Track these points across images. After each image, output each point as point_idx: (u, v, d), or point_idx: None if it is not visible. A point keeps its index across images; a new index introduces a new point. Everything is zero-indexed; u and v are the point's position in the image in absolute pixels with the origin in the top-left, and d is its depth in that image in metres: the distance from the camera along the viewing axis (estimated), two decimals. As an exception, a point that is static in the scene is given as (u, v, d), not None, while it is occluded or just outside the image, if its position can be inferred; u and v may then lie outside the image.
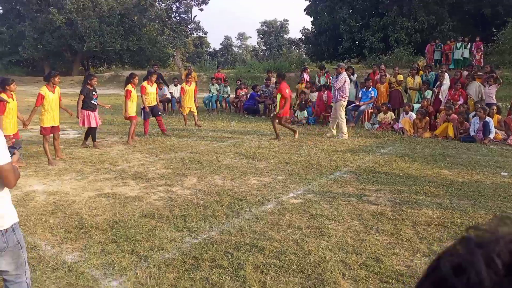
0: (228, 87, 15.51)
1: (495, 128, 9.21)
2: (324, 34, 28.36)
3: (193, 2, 36.02)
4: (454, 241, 0.49)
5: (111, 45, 32.06)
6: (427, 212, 4.89)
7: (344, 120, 9.91)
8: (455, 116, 9.69)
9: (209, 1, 35.83)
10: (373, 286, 3.33)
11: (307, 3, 30.19)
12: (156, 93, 10.54)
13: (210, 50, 55.36)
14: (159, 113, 10.56)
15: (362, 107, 11.72)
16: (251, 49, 59.96)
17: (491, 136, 9.03)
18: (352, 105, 12.07)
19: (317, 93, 12.65)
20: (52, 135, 7.68)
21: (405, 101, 12.09)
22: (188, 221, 4.70)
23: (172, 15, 36.64)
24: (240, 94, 14.97)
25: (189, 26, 37.32)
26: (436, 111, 10.96)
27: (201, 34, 40.97)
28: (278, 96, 9.74)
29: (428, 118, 10.17)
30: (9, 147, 2.54)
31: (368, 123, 11.34)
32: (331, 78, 10.32)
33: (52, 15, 30.62)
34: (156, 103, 10.40)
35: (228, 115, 14.11)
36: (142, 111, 10.10)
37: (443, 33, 22.38)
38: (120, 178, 6.53)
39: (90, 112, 8.51)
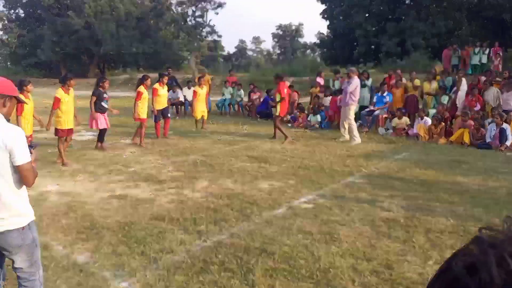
0: (242, 91, 15.55)
1: (512, 135, 9.03)
2: (339, 38, 28.24)
3: (208, 6, 36.36)
4: (468, 241, 0.48)
5: (127, 48, 32.53)
6: (440, 219, 4.80)
7: (355, 124, 9.88)
8: (471, 122, 9.53)
9: (224, 5, 36.09)
10: (383, 293, 3.27)
11: (323, 7, 30.14)
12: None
13: (225, 53, 55.67)
14: (168, 115, 10.64)
15: (377, 112, 11.61)
16: (265, 53, 60.11)
17: (508, 143, 8.85)
18: (366, 109, 11.98)
19: (330, 97, 12.58)
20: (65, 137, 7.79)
21: (420, 106, 11.94)
22: (198, 224, 4.70)
23: (188, 19, 37.02)
24: (253, 97, 15.00)
25: (204, 30, 37.66)
26: (452, 117, 10.79)
27: (216, 37, 41.33)
28: (278, 97, 9.89)
29: (443, 124, 10.03)
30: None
31: (382, 128, 11.22)
32: (345, 82, 10.29)
33: (71, 18, 31.24)
34: (166, 105, 10.47)
35: (240, 118, 14.14)
36: (152, 113, 10.15)
37: (461, 38, 22.09)
38: (132, 180, 6.58)
39: (99, 114, 8.56)
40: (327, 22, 30.17)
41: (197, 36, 35.34)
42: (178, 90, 14.74)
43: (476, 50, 18.25)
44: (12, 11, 37.95)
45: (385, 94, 11.71)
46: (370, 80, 12.93)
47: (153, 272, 3.61)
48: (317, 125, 11.95)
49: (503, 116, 9.12)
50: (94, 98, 8.52)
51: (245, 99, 15.46)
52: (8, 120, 2.61)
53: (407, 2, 26.18)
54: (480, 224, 4.63)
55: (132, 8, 33.14)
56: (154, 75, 16.69)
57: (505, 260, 0.42)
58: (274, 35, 55.10)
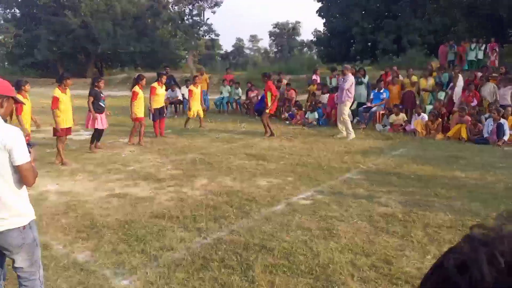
0: (239, 89, 15.56)
1: (509, 130, 9.07)
2: (336, 36, 28.24)
3: (205, 5, 36.31)
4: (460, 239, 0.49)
5: (124, 47, 32.44)
6: (438, 214, 4.84)
7: (349, 119, 10.07)
8: (469, 117, 9.57)
9: (221, 4, 36.03)
10: (382, 287, 3.30)
11: (320, 5, 30.11)
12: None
13: (222, 52, 55.61)
14: (164, 115, 10.63)
15: (374, 109, 11.64)
16: (263, 51, 60.06)
17: (505, 138, 8.90)
18: (363, 106, 12.01)
19: (327, 94, 12.60)
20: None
21: (417, 102, 11.97)
22: (198, 221, 4.72)
23: (185, 18, 36.95)
24: (251, 95, 15.01)
25: (201, 29, 37.60)
26: (449, 113, 10.83)
27: (213, 36, 41.29)
28: (269, 95, 10.19)
29: (440, 119, 10.07)
30: None
31: (380, 124, 11.26)
32: (341, 79, 10.35)
33: (67, 18, 31.13)
34: (163, 105, 10.46)
35: (238, 116, 14.15)
36: (150, 112, 10.14)
37: (457, 34, 22.12)
38: (131, 178, 6.60)
39: (97, 114, 8.48)
40: (324, 20, 30.18)
41: (194, 35, 35.27)
42: (177, 89, 14.74)
43: (473, 46, 18.30)
44: (8, 10, 37.75)
45: (382, 91, 11.74)
46: (367, 77, 12.95)
47: (153, 269, 3.63)
48: (314, 122, 11.98)
49: (500, 111, 9.16)
50: (92, 99, 8.46)
51: (243, 97, 15.46)
52: (5, 121, 2.62)
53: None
54: (478, 218, 4.67)
55: (128, 7, 33.03)
56: (152, 74, 16.70)
57: (496, 258, 0.42)
58: (271, 33, 55.07)
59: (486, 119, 9.53)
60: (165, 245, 4.09)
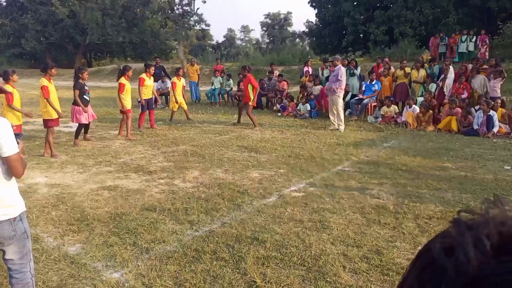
0: (231, 80, 15.46)
1: (499, 122, 9.16)
2: (328, 26, 28.16)
3: (196, -6, 35.88)
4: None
5: (114, 37, 32.03)
6: (429, 205, 4.88)
7: (342, 111, 10.08)
8: (459, 109, 9.64)
9: (212, -7, 35.63)
10: (373, 278, 3.33)
11: (311, -5, 29.93)
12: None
13: (213, 43, 55.22)
14: (153, 106, 10.51)
15: (366, 101, 11.67)
16: (254, 42, 59.77)
17: (495, 130, 8.98)
18: (355, 98, 12.03)
19: (320, 86, 12.59)
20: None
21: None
22: (190, 214, 4.70)
23: (175, 8, 36.51)
24: (243, 87, 14.93)
25: (192, 19, 37.22)
26: (440, 105, 10.90)
27: (204, 26, 40.91)
28: (250, 87, 10.28)
29: (431, 111, 10.12)
30: None
31: (371, 116, 11.29)
32: (333, 71, 10.32)
33: (55, 7, 30.59)
34: (152, 96, 10.31)
35: (230, 108, 14.09)
36: (139, 103, 9.99)
37: (448, 26, 22.16)
38: (122, 171, 6.54)
39: (85, 107, 8.22)
40: (316, 11, 30.04)
41: (184, 25, 34.89)
42: (167, 80, 14.61)
43: (463, 38, 18.40)
44: (-7, -1, 37.06)
45: (373, 83, 11.75)
46: (359, 68, 12.96)
47: (145, 262, 3.62)
48: (306, 114, 11.97)
49: (490, 103, 9.23)
50: (78, 92, 8.13)
51: (235, 88, 15.39)
52: None
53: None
54: (467, 209, 4.71)
55: (117, -4, 32.58)
56: (142, 65, 16.53)
57: (482, 241, 0.43)
58: (263, 24, 54.77)
59: (476, 111, 9.61)
60: (156, 238, 4.07)
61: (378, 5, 25.53)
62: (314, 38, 31.66)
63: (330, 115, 10.23)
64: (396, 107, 11.12)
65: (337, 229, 4.25)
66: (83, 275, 3.44)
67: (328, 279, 3.32)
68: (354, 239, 4.01)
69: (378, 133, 9.60)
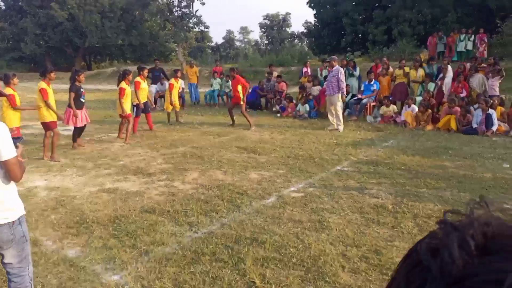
0: (230, 82, 15.45)
1: (498, 120, 9.17)
2: (326, 27, 28.17)
3: (194, -4, 35.83)
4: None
5: (113, 40, 32.07)
6: (428, 204, 4.88)
7: (341, 111, 10.07)
8: (458, 108, 9.65)
9: (210, -5, 35.64)
10: (373, 278, 3.33)
11: (310, -5, 29.94)
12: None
13: (212, 44, 55.24)
14: (149, 109, 10.51)
15: (365, 100, 11.68)
16: (253, 43, 59.79)
17: (494, 128, 8.99)
18: (354, 98, 12.04)
19: (319, 87, 12.60)
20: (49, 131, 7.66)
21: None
22: (189, 215, 4.71)
23: (174, 10, 36.50)
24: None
25: (190, 21, 37.17)
26: (439, 104, 10.91)
27: (203, 28, 40.85)
28: (239, 88, 10.46)
29: (430, 110, 10.13)
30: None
31: (370, 116, 11.30)
32: (331, 71, 10.29)
33: (54, 10, 30.62)
34: (146, 100, 10.27)
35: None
36: (135, 108, 9.93)
37: (447, 25, 22.16)
38: (121, 173, 6.55)
39: (77, 111, 8.13)
40: (314, 11, 30.06)
41: (184, 27, 34.85)
42: (166, 82, 14.61)
43: (462, 36, 18.39)
44: (-8, 3, 37.09)
45: (372, 83, 11.76)
46: (358, 69, 12.97)
47: (144, 264, 3.62)
48: (305, 115, 11.98)
49: (489, 102, 9.24)
50: (73, 95, 8.07)
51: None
52: None
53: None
54: (466, 208, 4.71)
55: (116, -1, 32.63)
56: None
57: (467, 241, 0.43)
58: (262, 25, 54.78)
59: (475, 109, 9.61)
60: (156, 240, 4.07)
61: (376, 5, 25.55)
62: (313, 39, 31.67)
63: (328, 115, 10.24)
64: (395, 106, 11.13)
65: (336, 229, 4.25)
66: (83, 278, 3.44)
67: (327, 279, 3.32)
68: (353, 239, 4.02)
69: (377, 132, 9.60)
